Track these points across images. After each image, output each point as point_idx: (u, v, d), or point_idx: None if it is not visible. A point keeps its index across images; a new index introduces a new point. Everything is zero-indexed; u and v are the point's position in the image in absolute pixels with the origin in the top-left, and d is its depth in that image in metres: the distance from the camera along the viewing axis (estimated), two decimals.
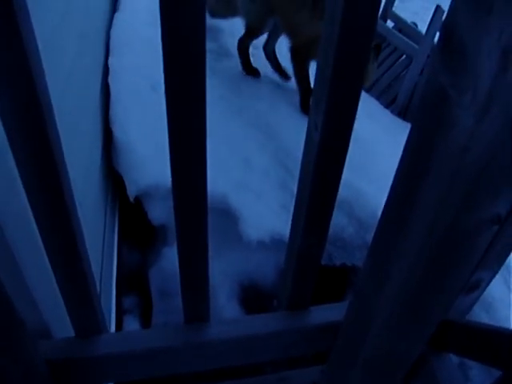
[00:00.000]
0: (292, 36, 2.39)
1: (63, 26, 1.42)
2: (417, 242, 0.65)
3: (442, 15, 2.62)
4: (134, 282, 2.16)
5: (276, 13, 2.38)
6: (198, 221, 0.77)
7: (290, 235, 0.88)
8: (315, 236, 0.82)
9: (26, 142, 0.62)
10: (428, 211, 0.61)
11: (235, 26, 2.81)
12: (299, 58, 2.36)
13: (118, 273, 2.08)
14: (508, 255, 0.83)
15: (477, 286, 0.88)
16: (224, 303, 2.18)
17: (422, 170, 0.59)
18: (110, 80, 2.25)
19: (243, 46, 2.55)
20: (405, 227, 0.65)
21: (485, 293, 0.92)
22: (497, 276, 0.88)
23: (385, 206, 0.71)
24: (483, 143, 0.51)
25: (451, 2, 0.53)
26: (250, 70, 2.59)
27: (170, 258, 2.11)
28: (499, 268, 0.86)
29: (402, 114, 2.82)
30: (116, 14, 2.69)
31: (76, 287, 0.86)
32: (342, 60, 0.60)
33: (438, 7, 2.59)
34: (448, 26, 0.53)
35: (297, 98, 2.47)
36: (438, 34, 2.67)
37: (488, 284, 0.90)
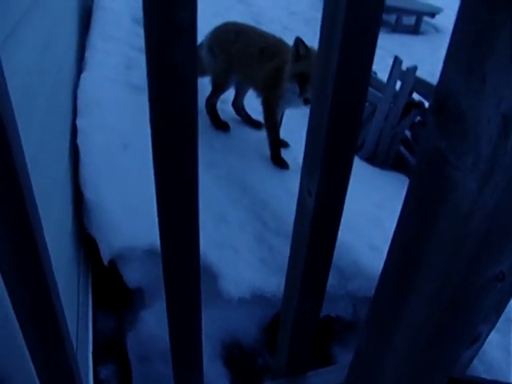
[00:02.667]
0: (257, 89, 2.47)
1: (31, 90, 1.39)
2: (423, 304, 0.63)
3: (401, 65, 2.73)
4: (111, 349, 2.05)
5: (236, 69, 2.52)
6: (191, 287, 0.73)
7: (284, 302, 0.84)
8: (311, 302, 0.79)
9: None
10: (433, 274, 0.60)
11: (201, 83, 2.85)
12: (270, 107, 2.43)
13: (94, 341, 1.98)
14: (505, 308, 0.82)
15: (477, 340, 0.86)
16: (207, 364, 2.08)
17: (424, 234, 0.58)
18: (79, 141, 2.22)
19: (211, 102, 2.61)
20: (409, 290, 0.64)
21: None
22: None
23: (384, 267, 0.70)
24: (488, 207, 0.51)
25: (443, 67, 0.54)
26: (220, 125, 2.61)
27: (147, 321, 2.02)
28: (497, 320, 0.85)
29: (370, 159, 2.88)
30: (82, 74, 2.68)
31: (56, 369, 0.80)
32: (336, 126, 0.59)
33: (396, 58, 2.71)
34: (441, 90, 0.53)
35: (267, 149, 2.49)
36: (398, 82, 2.78)
37: (487, 336, 0.88)
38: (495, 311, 0.80)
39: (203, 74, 2.64)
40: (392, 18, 7.00)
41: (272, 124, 2.44)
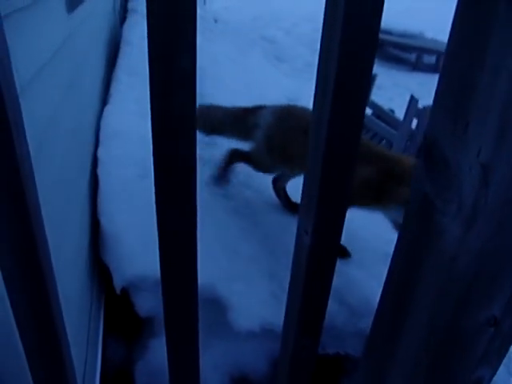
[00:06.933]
0: None
1: (56, 121, 1.46)
2: (414, 345, 0.64)
3: (417, 103, 2.76)
4: (119, 377, 2.05)
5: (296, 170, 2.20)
6: (189, 315, 0.75)
7: (282, 337, 0.85)
8: (309, 338, 0.80)
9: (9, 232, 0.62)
10: (423, 317, 0.60)
11: None
12: None
13: (103, 367, 1.99)
14: (507, 351, 0.81)
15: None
16: None
17: (413, 276, 0.60)
18: (99, 171, 2.29)
19: (279, 185, 2.42)
20: (400, 333, 0.64)
21: None
22: None
23: (377, 310, 0.71)
24: (472, 252, 0.52)
25: (430, 115, 0.56)
26: (292, 207, 2.40)
27: (157, 351, 2.02)
28: (499, 365, 0.84)
29: None
30: (106, 107, 2.78)
31: None
32: (330, 167, 0.62)
33: (412, 97, 2.74)
34: (429, 137, 0.56)
35: None
36: (414, 120, 2.81)
37: (489, 381, 0.87)
38: (496, 355, 0.79)
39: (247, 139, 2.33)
40: (412, 56, 7.14)
41: None
